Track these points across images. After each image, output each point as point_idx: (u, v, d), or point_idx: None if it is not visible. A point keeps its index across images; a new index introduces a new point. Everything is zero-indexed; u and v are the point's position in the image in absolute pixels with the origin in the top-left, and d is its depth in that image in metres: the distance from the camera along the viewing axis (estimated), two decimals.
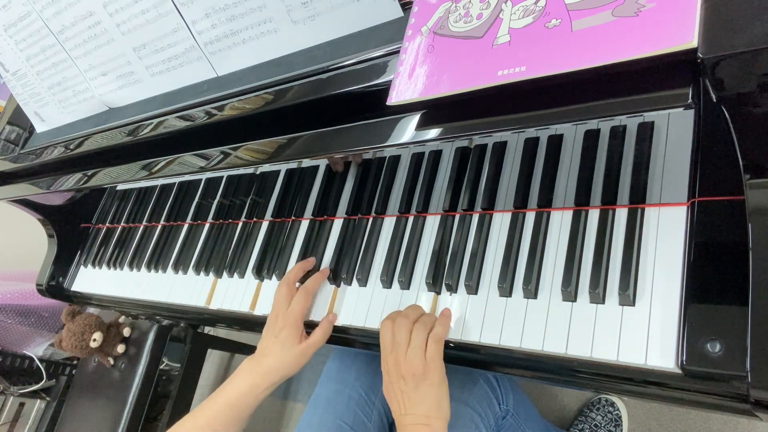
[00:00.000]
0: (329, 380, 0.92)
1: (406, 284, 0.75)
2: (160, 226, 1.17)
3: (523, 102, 0.54)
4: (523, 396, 0.89)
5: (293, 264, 0.89)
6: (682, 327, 0.52)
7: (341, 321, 0.79)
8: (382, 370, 0.69)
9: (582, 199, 0.64)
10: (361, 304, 0.78)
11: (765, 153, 0.43)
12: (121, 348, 1.39)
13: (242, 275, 0.95)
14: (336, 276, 0.83)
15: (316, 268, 0.86)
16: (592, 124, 0.66)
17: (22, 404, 1.74)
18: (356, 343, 0.78)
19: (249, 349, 1.62)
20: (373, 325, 0.75)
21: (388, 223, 0.82)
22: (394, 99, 0.59)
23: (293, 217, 0.94)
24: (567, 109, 0.51)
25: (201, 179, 1.12)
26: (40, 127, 1.12)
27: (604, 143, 0.65)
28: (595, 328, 0.58)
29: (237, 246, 0.99)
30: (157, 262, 1.12)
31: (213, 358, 2.01)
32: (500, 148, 0.73)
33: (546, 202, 0.67)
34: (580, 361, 0.58)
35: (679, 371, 0.51)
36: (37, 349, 1.74)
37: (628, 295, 0.57)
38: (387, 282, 0.77)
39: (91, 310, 1.45)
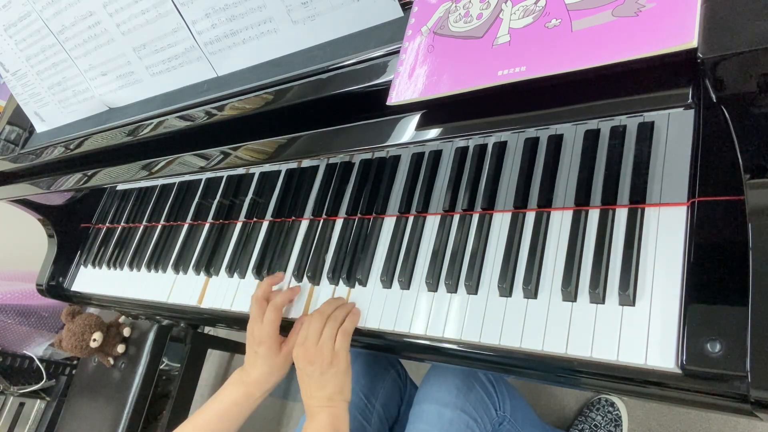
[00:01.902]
0: None
1: (406, 284, 0.75)
2: (160, 226, 1.17)
3: (523, 102, 0.54)
4: (521, 401, 0.89)
5: (293, 264, 0.89)
6: (682, 327, 0.52)
7: None
8: (294, 358, 0.76)
9: (582, 199, 0.64)
10: (361, 305, 0.78)
11: (765, 153, 0.43)
12: (121, 348, 1.39)
13: (242, 275, 0.95)
14: (336, 276, 0.83)
15: (320, 266, 0.86)
16: (592, 124, 0.66)
17: (22, 404, 1.73)
18: (355, 344, 0.78)
19: None
20: (372, 325, 0.75)
21: (388, 223, 0.82)
22: (394, 99, 0.59)
23: (293, 217, 0.94)
24: (567, 109, 0.51)
25: (201, 179, 1.12)
26: (40, 127, 1.12)
27: (604, 143, 0.65)
28: (595, 328, 0.58)
29: (237, 246, 0.99)
30: (157, 262, 1.12)
31: (213, 358, 2.01)
32: (500, 148, 0.73)
33: (546, 202, 0.67)
34: (580, 361, 0.58)
35: (679, 371, 0.51)
36: (37, 349, 1.74)
37: (628, 295, 0.57)
38: (387, 282, 0.77)
39: (91, 310, 1.45)
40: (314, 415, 0.71)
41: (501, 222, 0.70)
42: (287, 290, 0.85)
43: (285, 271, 0.90)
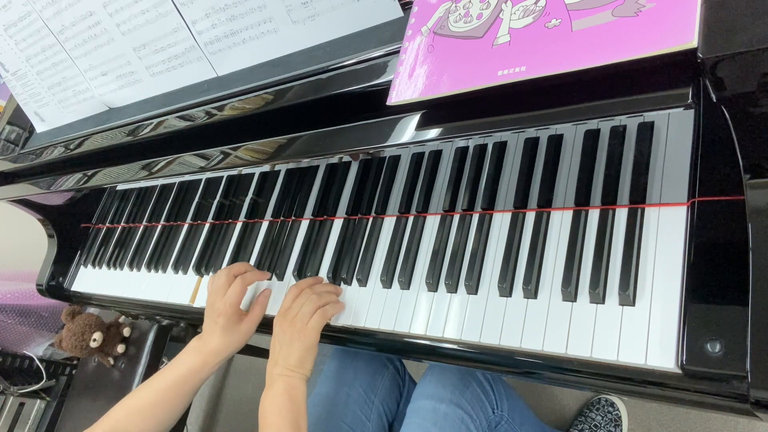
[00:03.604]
0: (329, 379, 0.93)
1: (406, 284, 0.75)
2: (160, 226, 1.17)
3: (523, 102, 0.54)
4: (519, 401, 0.89)
5: (293, 264, 0.89)
6: (682, 327, 0.52)
7: (341, 321, 0.79)
8: (273, 324, 0.79)
9: (582, 199, 0.64)
10: (361, 305, 0.78)
11: (765, 153, 0.43)
12: (121, 348, 1.39)
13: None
14: (336, 276, 0.83)
15: (320, 266, 0.86)
16: (592, 124, 0.66)
17: (22, 404, 1.73)
18: (355, 343, 0.78)
19: (248, 349, 1.62)
20: (372, 325, 0.75)
21: (388, 223, 0.82)
22: (394, 99, 0.59)
23: (293, 217, 0.94)
24: (567, 109, 0.51)
25: (201, 179, 1.12)
26: (40, 127, 1.12)
27: (604, 143, 0.65)
28: (595, 328, 0.58)
29: (237, 246, 0.99)
30: (157, 262, 1.12)
31: None
32: (500, 148, 0.73)
33: (546, 202, 0.67)
34: (580, 361, 0.58)
35: (679, 371, 0.51)
36: (37, 349, 1.74)
37: (628, 295, 0.57)
38: (387, 282, 0.77)
39: (91, 310, 1.45)
40: (273, 383, 0.74)
41: (501, 222, 0.70)
42: (258, 271, 0.87)
43: (285, 271, 0.90)
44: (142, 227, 1.22)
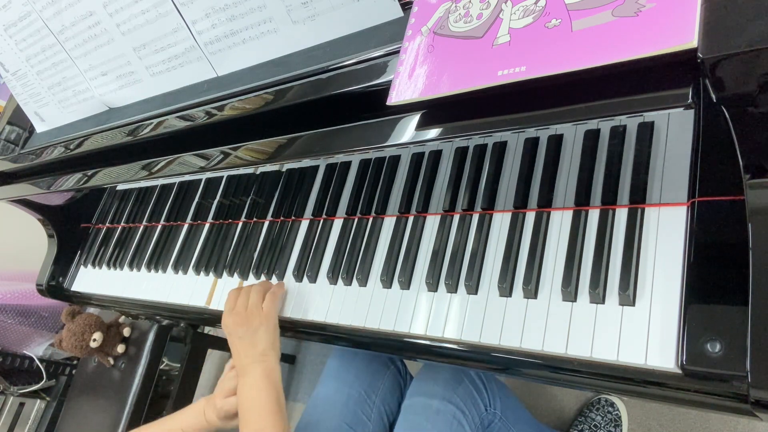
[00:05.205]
0: (329, 379, 0.93)
1: (406, 284, 0.75)
2: (160, 226, 1.17)
3: (523, 102, 0.54)
4: (513, 400, 0.89)
5: (293, 264, 0.89)
6: (682, 327, 0.52)
7: (341, 321, 0.79)
8: (223, 330, 0.81)
9: (582, 199, 0.64)
10: (361, 305, 0.78)
11: (765, 153, 0.43)
12: (121, 348, 1.39)
13: (242, 275, 0.95)
14: (336, 276, 0.83)
15: (320, 266, 0.86)
16: (592, 124, 0.66)
17: (22, 404, 1.73)
18: (355, 343, 0.78)
19: None
20: (372, 325, 0.75)
21: (388, 223, 0.82)
22: (394, 99, 0.59)
23: (293, 217, 0.94)
24: (567, 109, 0.51)
25: (201, 179, 1.12)
26: (40, 127, 1.12)
27: (604, 143, 0.65)
28: (595, 328, 0.58)
29: (237, 246, 0.99)
30: (157, 262, 1.12)
31: (213, 358, 2.01)
32: (500, 148, 0.73)
33: (546, 202, 0.67)
34: (580, 361, 0.58)
35: (679, 371, 0.51)
36: (37, 349, 1.74)
37: (628, 295, 0.57)
38: (387, 282, 0.77)
39: (91, 310, 1.45)
40: (248, 371, 0.75)
41: (501, 222, 0.70)
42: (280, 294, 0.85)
43: (285, 270, 0.90)
44: (142, 227, 1.22)
